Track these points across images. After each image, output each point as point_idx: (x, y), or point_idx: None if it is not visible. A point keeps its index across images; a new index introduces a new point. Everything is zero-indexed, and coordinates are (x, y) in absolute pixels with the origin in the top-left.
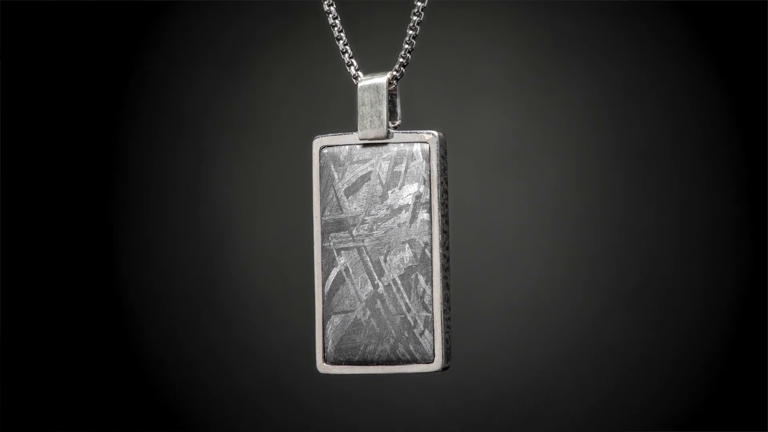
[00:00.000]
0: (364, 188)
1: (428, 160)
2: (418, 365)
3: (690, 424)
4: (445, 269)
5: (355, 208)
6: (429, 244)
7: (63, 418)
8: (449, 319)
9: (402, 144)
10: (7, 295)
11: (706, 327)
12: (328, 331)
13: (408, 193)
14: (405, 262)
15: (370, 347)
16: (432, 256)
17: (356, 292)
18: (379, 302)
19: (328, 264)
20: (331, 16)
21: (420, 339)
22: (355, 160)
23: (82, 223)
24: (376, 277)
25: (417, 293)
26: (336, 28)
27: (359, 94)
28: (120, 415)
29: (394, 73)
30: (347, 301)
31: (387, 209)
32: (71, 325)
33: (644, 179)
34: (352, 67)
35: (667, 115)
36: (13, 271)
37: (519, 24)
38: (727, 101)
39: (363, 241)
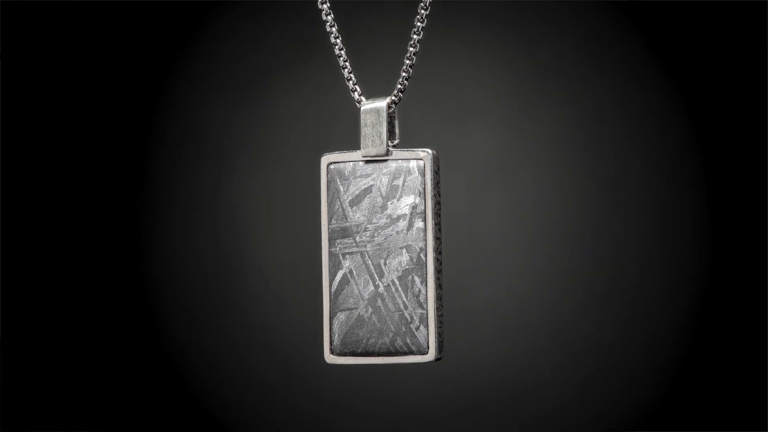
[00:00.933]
0: (367, 200)
1: (423, 174)
2: (414, 356)
3: (654, 409)
4: (438, 271)
5: (358, 218)
6: (424, 249)
7: (102, 402)
8: (442, 315)
9: (400, 160)
10: (50, 294)
11: (669, 323)
12: (335, 326)
13: (405, 204)
14: (402, 265)
15: (372, 340)
16: (426, 260)
17: (359, 291)
18: (379, 301)
19: (335, 267)
20: (337, 47)
21: (416, 333)
22: (358, 174)
23: (115, 231)
24: (377, 278)
25: (413, 293)
26: (341, 58)
27: (362, 116)
28: (148, 400)
29: (393, 97)
30: (351, 300)
31: (387, 218)
32: (106, 323)
33: (614, 192)
34: (356, 93)
35: (634, 135)
36: (56, 274)
37: (504, 56)
38: (688, 122)
39: (365, 246)
